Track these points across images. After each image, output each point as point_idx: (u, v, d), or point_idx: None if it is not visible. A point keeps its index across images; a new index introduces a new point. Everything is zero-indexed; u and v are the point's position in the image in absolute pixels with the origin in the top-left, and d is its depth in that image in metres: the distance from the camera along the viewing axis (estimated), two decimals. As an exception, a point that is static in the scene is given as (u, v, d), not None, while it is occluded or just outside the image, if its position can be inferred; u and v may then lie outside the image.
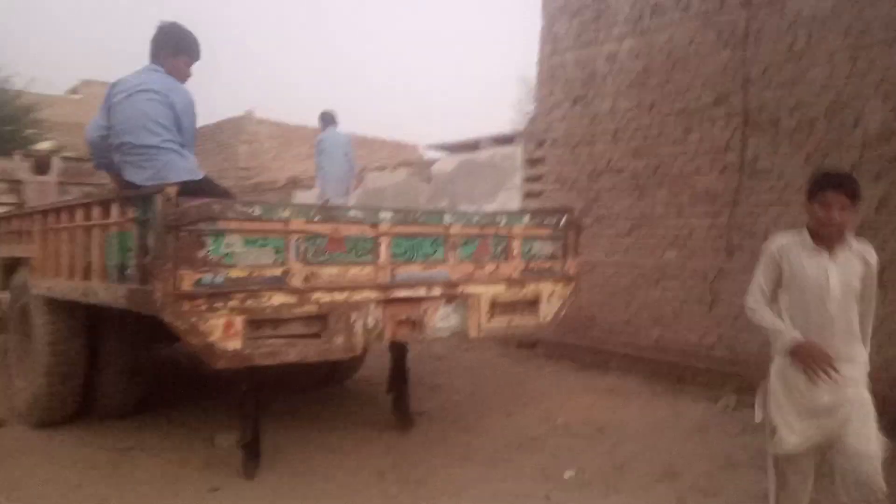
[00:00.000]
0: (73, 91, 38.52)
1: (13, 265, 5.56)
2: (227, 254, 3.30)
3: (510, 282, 4.46)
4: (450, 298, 4.17)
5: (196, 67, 4.03)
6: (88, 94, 36.82)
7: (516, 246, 4.52)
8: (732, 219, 5.53)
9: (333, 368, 5.60)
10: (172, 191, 3.12)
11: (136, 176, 3.64)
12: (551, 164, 7.05)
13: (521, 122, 20.43)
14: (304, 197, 11.35)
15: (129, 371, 5.00)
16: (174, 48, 3.83)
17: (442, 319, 4.20)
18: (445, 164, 8.38)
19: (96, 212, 3.85)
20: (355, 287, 3.73)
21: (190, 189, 3.41)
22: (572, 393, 5.87)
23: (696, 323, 5.78)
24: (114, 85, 3.84)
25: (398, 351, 4.91)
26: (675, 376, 5.85)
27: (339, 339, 3.72)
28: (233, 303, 3.28)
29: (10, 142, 15.10)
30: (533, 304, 4.67)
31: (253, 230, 3.37)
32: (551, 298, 4.76)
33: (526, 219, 4.57)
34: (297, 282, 3.49)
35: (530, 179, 7.28)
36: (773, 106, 5.35)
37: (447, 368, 6.69)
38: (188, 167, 3.64)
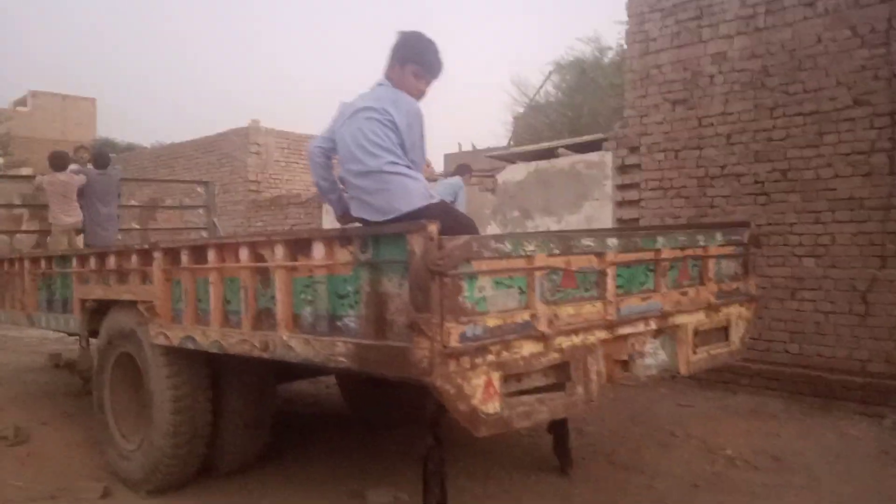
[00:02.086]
0: (21, 103, 36.73)
1: (101, 308, 4.90)
2: (480, 299, 2.80)
3: (709, 308, 4.04)
4: (657, 332, 3.73)
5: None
6: (37, 106, 35.30)
7: (711, 267, 4.11)
8: (886, 225, 5.21)
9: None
10: (434, 228, 2.60)
11: (365, 211, 3.11)
12: (649, 170, 6.66)
13: (508, 126, 20.10)
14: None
15: (252, 421, 4.43)
16: (401, 57, 3.29)
17: (650, 356, 3.76)
18: (514, 172, 7.92)
19: (280, 251, 3.29)
20: (589, 327, 3.26)
21: (423, 217, 2.90)
22: (715, 418, 5.47)
23: (844, 336, 5.46)
24: (342, 105, 3.30)
25: None
26: (822, 393, 5.51)
27: (580, 390, 3.24)
28: (490, 357, 2.79)
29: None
30: (724, 330, 4.27)
31: (502, 269, 2.88)
32: (738, 322, 4.37)
33: (719, 236, 4.16)
34: (543, 326, 3.00)
35: (624, 187, 6.87)
36: (927, 105, 5.06)
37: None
38: (421, 191, 3.11)
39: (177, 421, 4.14)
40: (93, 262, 4.94)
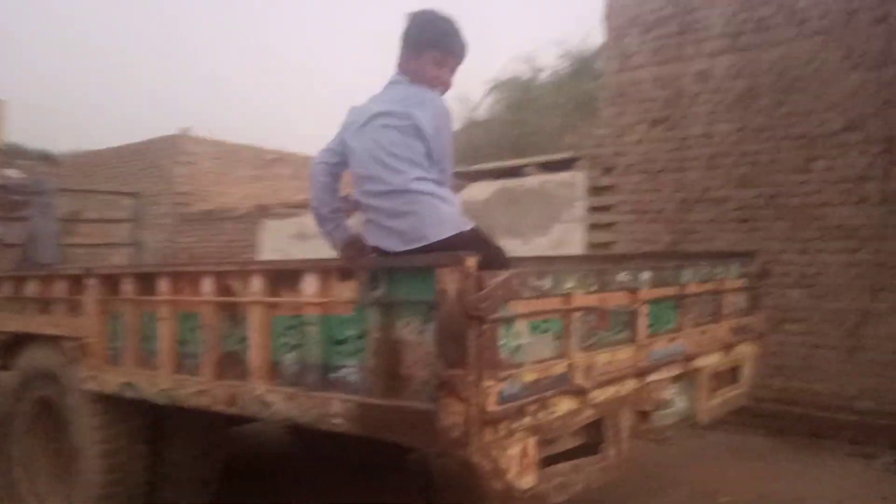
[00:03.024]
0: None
1: (13, 343, 4.13)
2: (516, 348, 2.31)
3: (725, 348, 3.67)
4: (677, 377, 3.31)
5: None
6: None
7: (727, 303, 3.74)
8: (878, 256, 5.01)
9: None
10: (472, 262, 2.09)
11: (385, 238, 2.51)
12: (625, 192, 6.33)
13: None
14: (277, 228, 10.04)
15: (197, 476, 3.78)
16: (416, 44, 2.65)
17: (671, 405, 3.33)
18: (478, 190, 7.46)
19: (257, 284, 2.69)
20: (621, 377, 2.80)
21: (451, 246, 2.38)
22: (701, 459, 5.11)
23: (832, 371, 5.22)
24: (352, 110, 2.70)
25: None
26: (809, 432, 5.25)
27: (613, 451, 2.78)
28: (527, 419, 2.29)
29: None
30: (734, 371, 3.91)
31: (540, 311, 2.39)
32: (748, 361, 4.02)
33: (734, 268, 3.80)
34: (580, 378, 2.53)
35: (596, 209, 6.52)
36: (923, 133, 4.89)
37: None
38: (454, 215, 2.54)
39: (108, 481, 3.49)
40: (7, 288, 4.15)
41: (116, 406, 3.48)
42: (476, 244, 2.37)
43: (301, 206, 10.19)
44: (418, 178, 2.45)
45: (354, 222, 2.65)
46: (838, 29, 5.26)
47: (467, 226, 2.54)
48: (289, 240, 9.86)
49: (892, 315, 4.99)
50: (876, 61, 5.08)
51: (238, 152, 13.52)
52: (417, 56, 2.64)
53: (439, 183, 2.53)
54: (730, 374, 3.84)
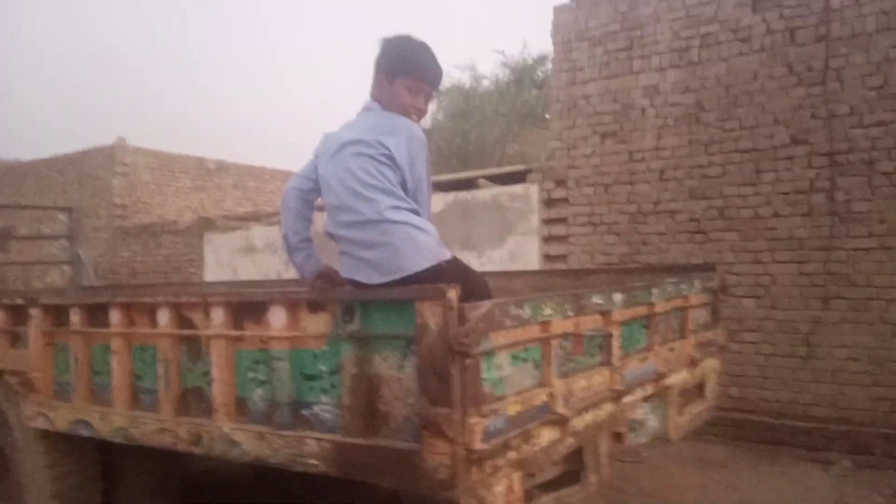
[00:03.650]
0: None
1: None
2: (498, 381, 2.24)
3: (691, 363, 3.68)
4: (649, 396, 3.30)
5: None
6: None
7: (692, 318, 3.76)
8: (827, 266, 5.14)
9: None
10: (454, 294, 2.01)
11: (359, 271, 2.39)
12: (578, 204, 6.36)
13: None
14: (222, 242, 9.74)
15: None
16: (388, 70, 2.57)
17: (643, 424, 3.32)
18: (433, 203, 7.37)
19: (218, 316, 2.55)
20: (598, 401, 2.77)
21: (430, 278, 2.29)
22: (662, 469, 5.14)
23: (787, 379, 5.33)
24: (325, 138, 2.57)
25: None
26: (767, 439, 5.34)
27: (594, 479, 2.75)
28: (512, 454, 2.22)
29: None
30: (700, 386, 3.93)
31: (520, 341, 2.32)
32: (711, 375, 4.05)
33: (697, 283, 3.82)
34: (560, 406, 2.48)
35: (550, 222, 6.53)
36: (865, 146, 5.04)
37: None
38: (432, 246, 2.44)
39: (57, 523, 3.26)
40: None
41: (65, 442, 3.28)
42: (456, 275, 2.29)
43: (247, 219, 9.94)
44: (392, 207, 2.36)
45: (338, 253, 2.53)
46: (781, 45, 5.39)
47: (446, 255, 2.46)
48: (234, 254, 9.59)
49: (843, 323, 5.13)
50: (818, 77, 5.23)
51: (177, 162, 13.12)
52: (390, 83, 2.56)
53: (415, 212, 2.45)
54: (696, 389, 3.87)
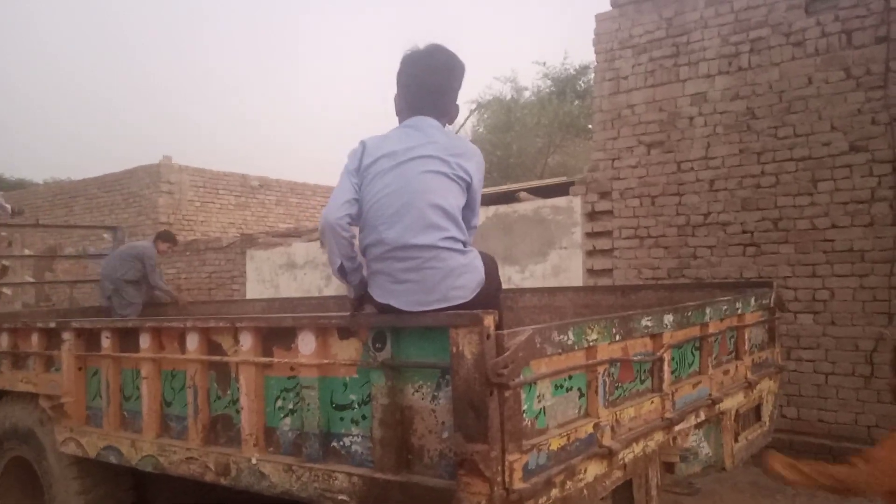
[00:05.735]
0: None
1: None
2: (539, 412, 2.08)
3: (748, 386, 3.46)
4: (701, 422, 3.09)
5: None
6: None
7: (747, 338, 3.54)
8: (892, 279, 4.84)
9: None
10: (491, 321, 1.87)
11: (398, 296, 2.22)
12: (623, 217, 6.15)
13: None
14: (264, 258, 9.76)
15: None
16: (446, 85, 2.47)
17: (696, 452, 3.12)
18: (471, 218, 7.24)
19: (247, 341, 2.45)
20: (649, 431, 2.58)
21: (473, 305, 2.15)
22: (717, 496, 4.90)
23: (848, 399, 5.03)
24: (365, 144, 2.43)
25: None
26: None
27: (644, 513, 2.55)
28: (555, 492, 2.05)
29: None
30: (757, 409, 3.70)
31: (563, 369, 2.16)
32: (769, 398, 3.81)
33: (753, 300, 3.60)
34: (607, 438, 2.31)
35: (594, 235, 6.33)
36: (931, 152, 4.74)
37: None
38: (476, 274, 2.31)
39: (91, 550, 3.19)
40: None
41: (98, 468, 3.22)
42: (493, 301, 2.15)
43: (288, 236, 9.95)
44: (448, 237, 2.23)
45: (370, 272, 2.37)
46: (838, 48, 5.13)
47: (493, 284, 2.32)
48: (276, 270, 9.59)
49: (907, 340, 4.81)
50: (878, 81, 4.95)
51: (221, 179, 13.26)
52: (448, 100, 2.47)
53: (466, 242, 2.32)
54: (752, 413, 3.64)
